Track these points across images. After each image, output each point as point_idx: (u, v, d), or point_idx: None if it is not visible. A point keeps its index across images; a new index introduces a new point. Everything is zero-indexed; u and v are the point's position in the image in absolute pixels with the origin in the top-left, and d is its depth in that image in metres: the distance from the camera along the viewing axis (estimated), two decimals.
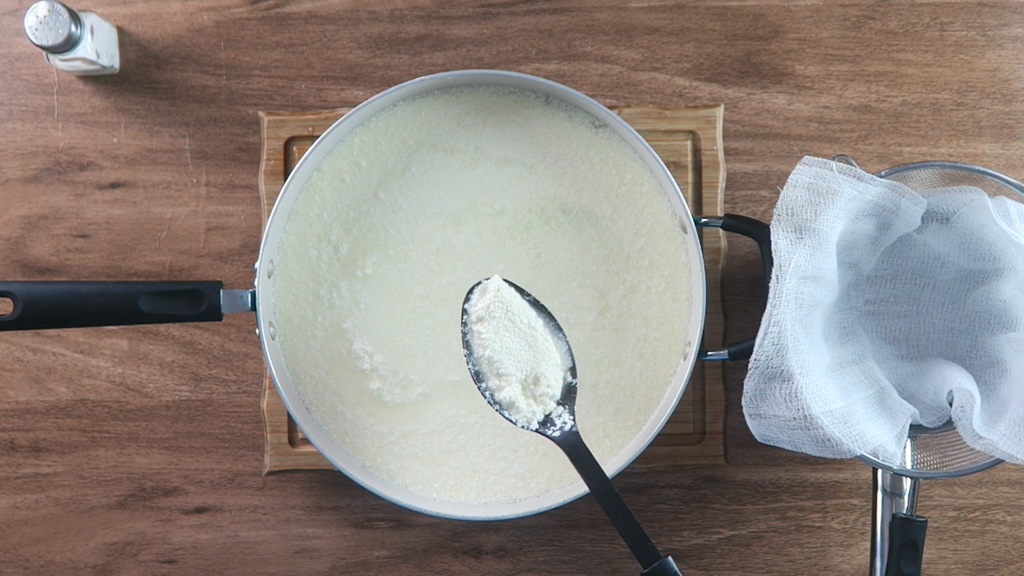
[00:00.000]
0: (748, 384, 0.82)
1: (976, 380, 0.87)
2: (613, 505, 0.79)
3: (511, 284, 0.84)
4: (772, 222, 0.82)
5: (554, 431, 0.82)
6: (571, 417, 0.83)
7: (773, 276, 0.81)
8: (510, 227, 0.92)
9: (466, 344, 0.83)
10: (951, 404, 0.85)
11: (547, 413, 0.83)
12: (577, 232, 0.92)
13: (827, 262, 0.83)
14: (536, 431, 0.82)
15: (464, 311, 0.83)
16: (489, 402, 0.82)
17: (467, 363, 0.83)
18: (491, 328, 0.82)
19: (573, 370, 0.84)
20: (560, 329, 0.84)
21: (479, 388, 0.82)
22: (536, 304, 0.84)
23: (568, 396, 0.84)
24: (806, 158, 0.83)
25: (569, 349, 0.84)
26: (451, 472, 0.91)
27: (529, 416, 0.82)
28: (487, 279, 0.83)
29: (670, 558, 0.78)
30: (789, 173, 0.83)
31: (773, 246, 0.82)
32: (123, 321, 0.85)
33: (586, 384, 0.91)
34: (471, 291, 0.83)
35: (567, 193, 0.92)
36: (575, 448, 0.81)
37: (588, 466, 0.81)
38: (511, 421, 0.82)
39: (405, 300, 0.92)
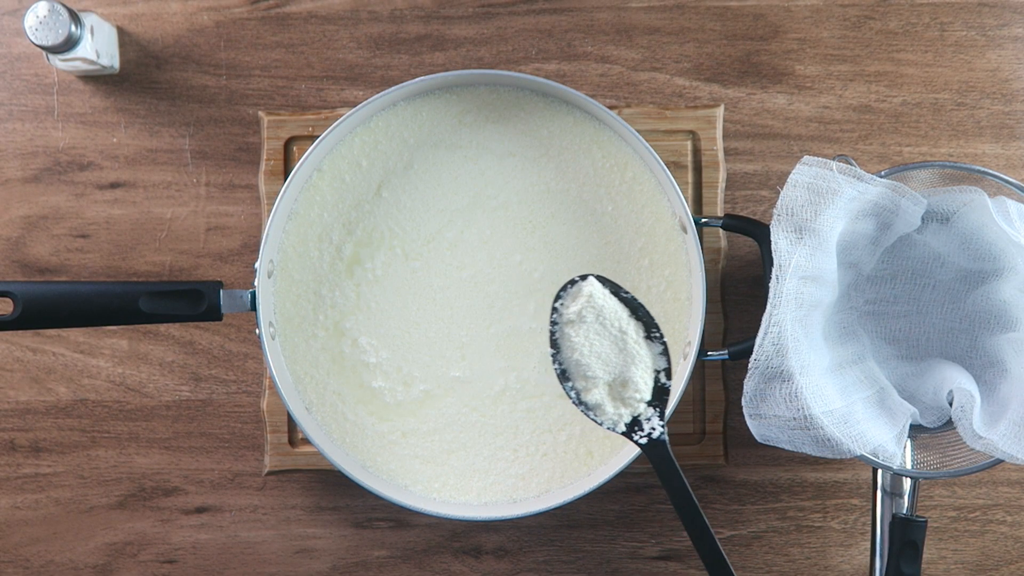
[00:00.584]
0: (748, 384, 0.82)
1: (976, 380, 0.87)
2: (695, 523, 0.78)
3: (606, 281, 0.81)
4: (772, 222, 0.82)
5: (641, 436, 0.80)
6: (660, 422, 0.80)
7: (773, 276, 0.81)
8: (518, 220, 0.92)
9: (554, 344, 0.81)
10: (951, 404, 0.85)
11: (635, 415, 0.80)
12: (579, 231, 0.92)
13: (827, 262, 0.83)
14: (622, 434, 0.80)
15: (554, 309, 0.81)
16: (575, 402, 0.81)
17: (553, 362, 0.81)
18: (581, 332, 0.80)
19: (668, 371, 0.81)
20: (657, 328, 0.81)
21: (564, 388, 0.81)
22: (631, 302, 0.81)
23: (659, 397, 0.81)
24: (806, 158, 0.83)
25: (665, 350, 0.81)
26: (451, 472, 0.91)
27: (615, 419, 0.80)
28: (581, 279, 0.81)
29: None
30: (789, 173, 0.83)
31: (773, 246, 0.82)
32: (123, 321, 0.85)
33: None
34: (563, 289, 0.81)
35: (569, 187, 0.92)
36: (661, 459, 0.79)
37: (672, 479, 0.79)
38: (597, 422, 0.80)
39: (419, 295, 0.92)
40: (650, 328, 0.81)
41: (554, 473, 0.91)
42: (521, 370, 0.92)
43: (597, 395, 0.80)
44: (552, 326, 0.81)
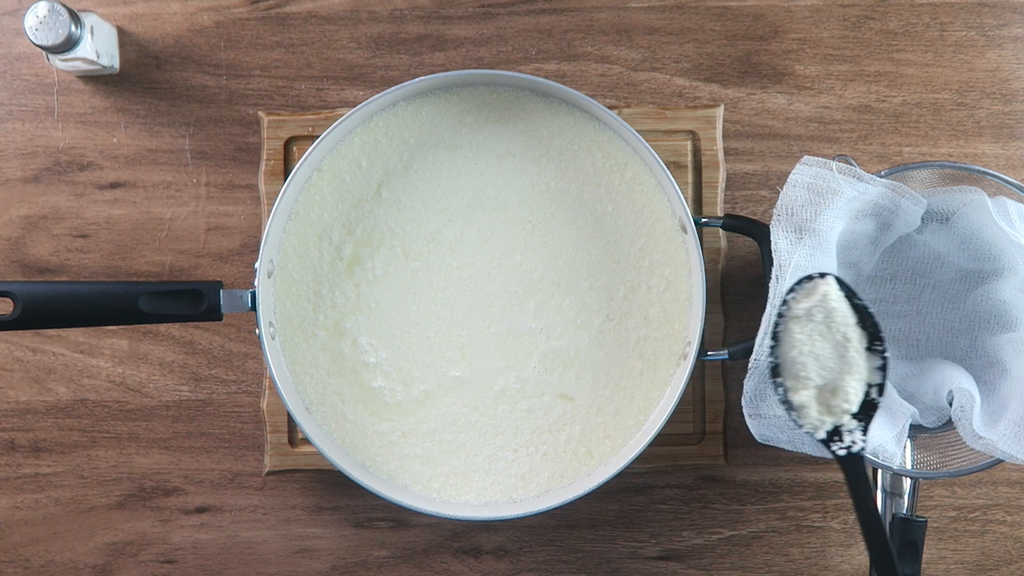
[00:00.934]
0: (748, 384, 0.82)
1: (976, 380, 0.87)
2: (878, 545, 0.76)
3: (842, 284, 0.78)
4: (772, 222, 0.82)
5: (840, 448, 0.77)
6: (862, 437, 0.77)
7: (773, 276, 0.81)
8: (518, 220, 0.92)
9: (775, 336, 0.78)
10: (951, 404, 0.85)
11: (837, 425, 0.78)
12: (579, 231, 0.92)
13: (827, 262, 0.83)
14: (820, 441, 0.78)
15: (784, 302, 0.78)
16: (780, 399, 0.78)
17: (769, 354, 0.79)
18: (806, 330, 0.77)
19: (881, 388, 0.77)
20: (881, 342, 0.77)
21: (773, 382, 0.78)
22: (863, 310, 0.78)
23: (866, 412, 0.78)
24: (806, 158, 0.83)
25: (884, 366, 0.77)
26: (451, 472, 0.91)
27: (816, 424, 0.78)
28: (819, 276, 0.78)
29: None
30: (789, 173, 0.83)
31: (773, 246, 0.82)
32: (123, 321, 0.85)
33: (586, 384, 0.91)
34: (799, 283, 0.78)
35: (569, 187, 0.92)
36: (856, 474, 0.77)
37: (863, 496, 0.77)
38: (796, 424, 0.78)
39: (419, 295, 0.92)
40: (874, 340, 0.78)
41: (554, 473, 0.91)
42: (521, 370, 0.92)
43: (805, 396, 0.78)
44: (777, 318, 0.78)
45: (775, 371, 0.78)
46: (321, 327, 0.92)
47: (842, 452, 0.77)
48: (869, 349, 0.78)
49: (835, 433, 0.78)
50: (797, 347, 0.77)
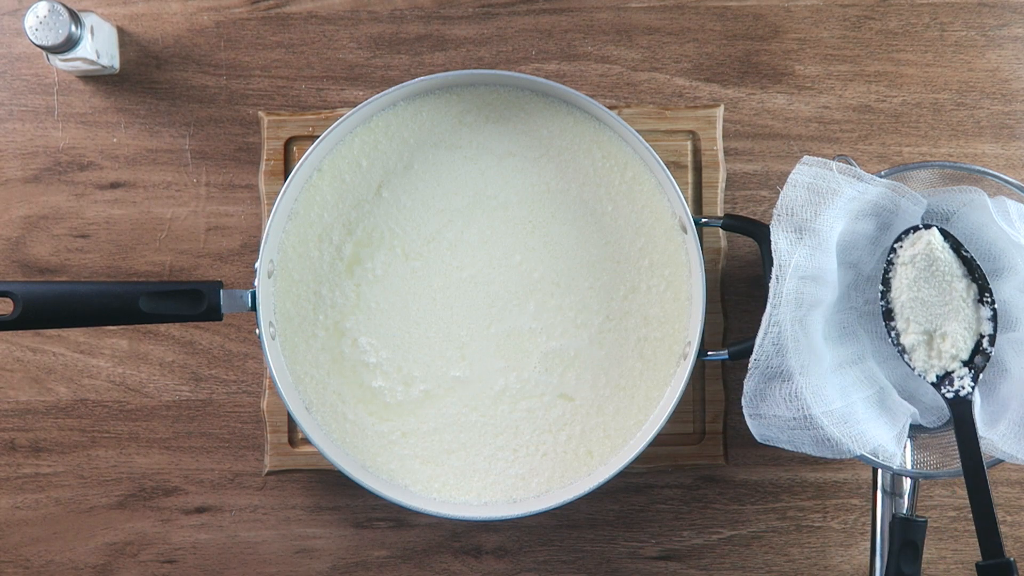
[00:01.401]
0: (748, 384, 0.82)
1: None
2: (978, 488, 0.80)
3: (947, 235, 0.84)
4: (772, 222, 0.82)
5: (948, 391, 0.83)
6: (971, 384, 0.83)
7: (773, 276, 0.81)
8: (518, 220, 0.92)
9: (885, 281, 0.85)
10: None
11: (948, 370, 0.84)
12: (579, 231, 0.92)
13: (827, 262, 0.83)
14: (931, 384, 0.84)
15: (892, 250, 0.85)
16: (892, 342, 0.84)
17: (880, 299, 0.85)
18: (911, 275, 0.84)
19: (992, 339, 0.84)
20: (990, 294, 0.84)
21: (886, 326, 0.84)
22: (971, 262, 0.84)
23: (976, 361, 0.84)
24: (806, 158, 0.83)
25: (994, 317, 0.84)
26: (451, 472, 0.91)
27: (926, 367, 0.84)
28: (925, 227, 0.84)
29: (1013, 559, 0.79)
30: (789, 173, 0.83)
31: (773, 246, 0.82)
32: (123, 321, 0.85)
33: (586, 384, 0.91)
34: (906, 232, 0.85)
35: (569, 187, 0.92)
36: (962, 417, 0.82)
37: (967, 439, 0.82)
38: (908, 366, 0.84)
39: (419, 295, 0.92)
40: (983, 292, 0.84)
41: (554, 473, 0.91)
42: (521, 370, 0.92)
43: (913, 339, 0.84)
44: (887, 265, 0.85)
45: (887, 315, 0.84)
46: (321, 327, 0.92)
47: (950, 395, 0.83)
48: (980, 301, 0.84)
49: (945, 378, 0.83)
50: (904, 292, 0.84)
